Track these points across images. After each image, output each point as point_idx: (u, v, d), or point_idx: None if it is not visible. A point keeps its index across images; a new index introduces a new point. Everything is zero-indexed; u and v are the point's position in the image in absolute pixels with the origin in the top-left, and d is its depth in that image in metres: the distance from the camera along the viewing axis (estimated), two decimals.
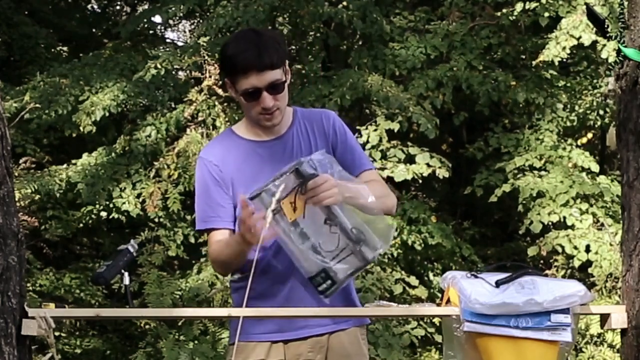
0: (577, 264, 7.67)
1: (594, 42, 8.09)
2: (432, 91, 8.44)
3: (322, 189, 2.69)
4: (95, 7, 13.08)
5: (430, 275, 8.47)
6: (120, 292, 7.78)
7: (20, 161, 8.04)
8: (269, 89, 2.88)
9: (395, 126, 7.97)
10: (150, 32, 11.39)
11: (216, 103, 8.11)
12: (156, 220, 8.14)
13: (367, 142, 7.97)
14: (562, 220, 7.79)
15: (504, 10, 8.88)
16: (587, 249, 7.60)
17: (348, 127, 3.12)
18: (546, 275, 3.08)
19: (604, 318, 2.87)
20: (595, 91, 8.91)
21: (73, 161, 8.45)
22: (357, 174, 3.00)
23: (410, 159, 8.05)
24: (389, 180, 8.05)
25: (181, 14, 10.14)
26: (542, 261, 8.70)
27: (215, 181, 2.98)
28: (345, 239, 2.74)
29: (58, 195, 8.19)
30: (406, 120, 8.01)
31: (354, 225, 2.75)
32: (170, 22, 12.20)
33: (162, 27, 12.43)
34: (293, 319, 2.93)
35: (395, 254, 8.06)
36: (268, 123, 2.95)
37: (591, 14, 2.98)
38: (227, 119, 8.07)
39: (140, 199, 8.09)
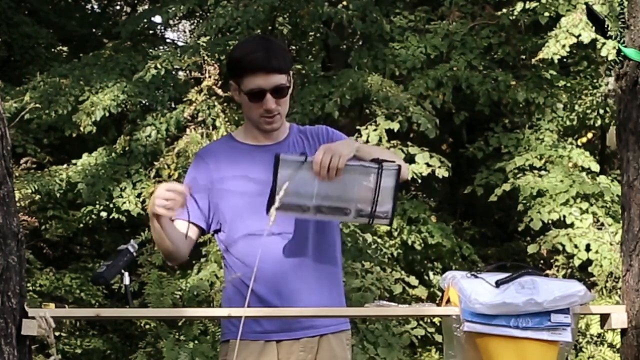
0: (577, 262, 7.67)
1: (594, 41, 8.09)
2: (432, 91, 8.44)
3: (325, 162, 2.75)
4: (95, 7, 13.08)
5: (430, 275, 8.47)
6: (120, 292, 7.76)
7: (21, 161, 8.04)
8: (273, 91, 2.94)
9: (395, 126, 7.96)
10: (150, 32, 11.38)
11: (216, 103, 8.11)
12: None
13: (367, 142, 7.96)
14: (562, 219, 7.79)
15: (504, 10, 8.88)
16: (587, 248, 7.60)
17: (346, 130, 3.17)
18: (546, 275, 3.07)
19: (604, 318, 2.87)
20: (595, 91, 8.90)
21: (73, 161, 8.46)
22: None
23: (410, 159, 8.05)
24: None
25: (181, 14, 10.13)
26: (542, 261, 8.70)
27: (199, 176, 3.01)
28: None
29: (58, 195, 8.19)
30: (406, 120, 8.01)
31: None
32: (170, 22, 12.20)
33: (162, 27, 12.42)
34: (288, 320, 2.95)
35: (395, 254, 8.06)
36: (268, 127, 3.01)
37: (591, 14, 2.98)
38: (226, 119, 8.07)
39: (141, 199, 8.10)
